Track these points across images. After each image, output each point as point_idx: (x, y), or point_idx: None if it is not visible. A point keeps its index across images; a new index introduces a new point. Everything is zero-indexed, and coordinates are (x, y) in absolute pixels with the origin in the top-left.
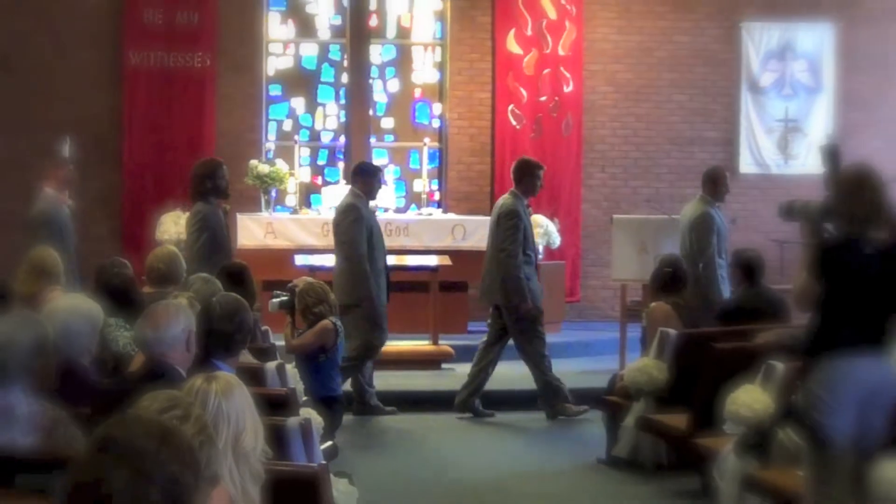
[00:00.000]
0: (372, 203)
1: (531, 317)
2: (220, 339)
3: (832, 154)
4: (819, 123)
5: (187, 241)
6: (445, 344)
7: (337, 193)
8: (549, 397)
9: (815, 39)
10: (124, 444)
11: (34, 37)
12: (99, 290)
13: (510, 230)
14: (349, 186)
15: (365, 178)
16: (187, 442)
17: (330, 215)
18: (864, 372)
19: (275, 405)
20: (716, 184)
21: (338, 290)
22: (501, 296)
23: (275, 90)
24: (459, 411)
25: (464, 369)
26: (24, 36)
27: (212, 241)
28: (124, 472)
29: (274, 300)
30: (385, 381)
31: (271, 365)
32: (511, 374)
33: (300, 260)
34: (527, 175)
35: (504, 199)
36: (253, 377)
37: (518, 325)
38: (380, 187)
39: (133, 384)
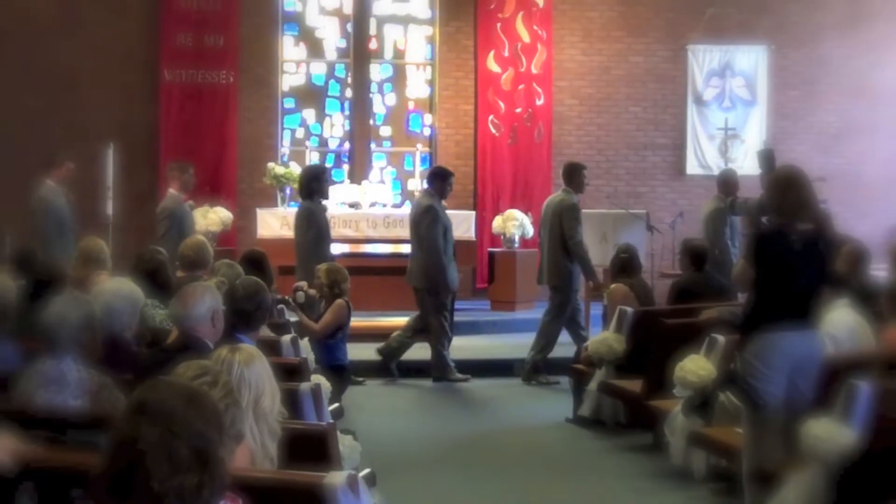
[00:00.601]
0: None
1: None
2: (242, 315)
3: (767, 157)
4: (754, 131)
5: (297, 234)
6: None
7: (342, 191)
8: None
9: (751, 60)
10: (155, 406)
11: (85, 58)
12: (137, 273)
13: (575, 221)
14: (426, 187)
15: (439, 180)
16: (213, 403)
17: (335, 210)
18: (792, 344)
19: (289, 372)
20: (727, 185)
21: (415, 276)
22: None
23: (289, 103)
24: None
25: (458, 342)
26: (78, 57)
27: (317, 234)
28: (156, 430)
29: (300, 293)
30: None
31: (286, 338)
32: (487, 344)
33: None
34: (576, 175)
35: (562, 197)
36: (271, 348)
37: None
38: (451, 189)
39: (168, 355)
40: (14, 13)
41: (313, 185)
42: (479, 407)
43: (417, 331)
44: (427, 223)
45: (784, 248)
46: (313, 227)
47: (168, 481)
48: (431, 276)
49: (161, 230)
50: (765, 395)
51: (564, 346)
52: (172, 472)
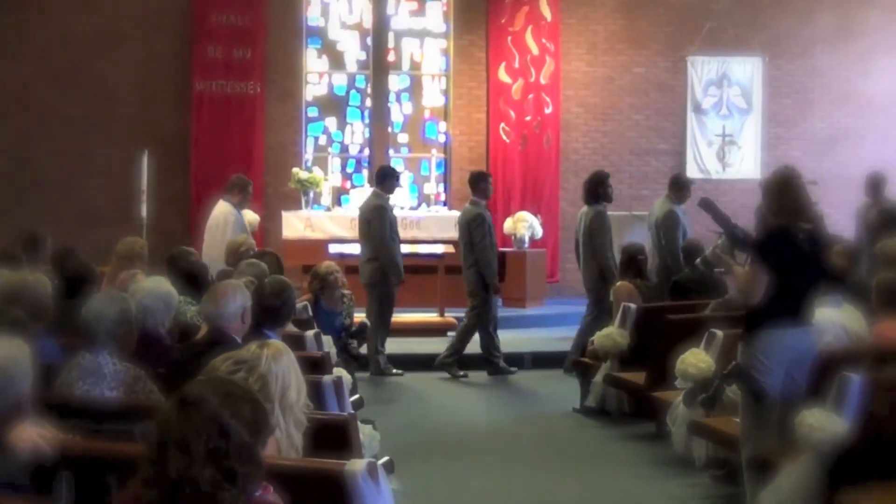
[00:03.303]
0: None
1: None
2: (270, 312)
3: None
4: (750, 138)
5: (593, 237)
6: (450, 316)
7: (362, 194)
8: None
9: (747, 71)
10: (198, 402)
11: (122, 70)
12: (171, 272)
13: (602, 230)
14: (471, 196)
15: (482, 184)
16: (253, 399)
17: (356, 213)
18: (793, 340)
19: (313, 365)
20: (679, 187)
21: (469, 281)
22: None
23: (312, 112)
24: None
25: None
26: (115, 69)
27: (610, 234)
28: (197, 423)
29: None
30: (400, 346)
31: (310, 333)
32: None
33: (333, 248)
34: (600, 186)
35: (591, 211)
36: (295, 343)
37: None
38: (492, 190)
39: (199, 349)
40: (58, 29)
41: (599, 189)
42: (492, 398)
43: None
44: (479, 233)
45: (793, 247)
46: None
47: (206, 469)
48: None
49: (587, 237)
50: (767, 387)
51: (568, 341)
52: (211, 461)
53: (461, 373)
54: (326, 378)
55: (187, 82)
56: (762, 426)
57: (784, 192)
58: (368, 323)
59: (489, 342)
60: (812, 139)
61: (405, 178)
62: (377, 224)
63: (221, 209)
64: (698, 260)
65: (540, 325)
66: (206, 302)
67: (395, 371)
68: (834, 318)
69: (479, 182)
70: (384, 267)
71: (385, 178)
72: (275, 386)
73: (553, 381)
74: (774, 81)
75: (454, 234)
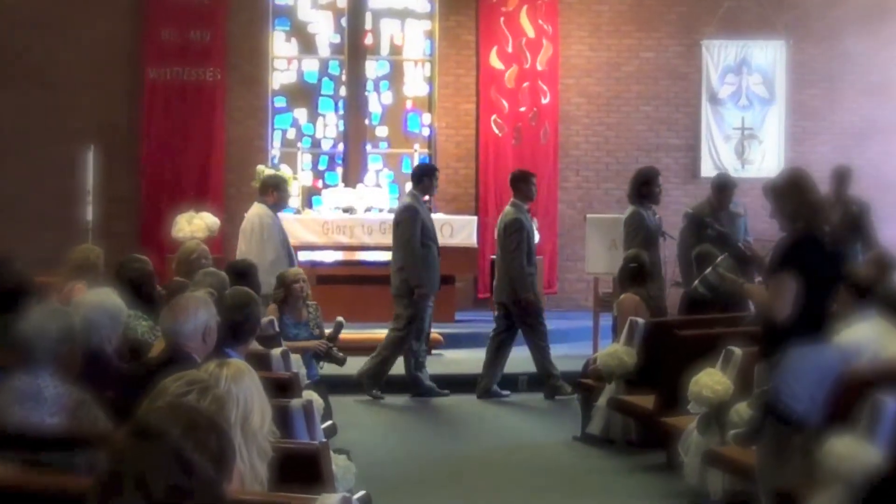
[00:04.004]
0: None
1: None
2: (230, 328)
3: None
4: (772, 131)
5: (625, 239)
6: (435, 332)
7: (335, 195)
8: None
9: (769, 56)
10: (157, 432)
11: (64, 54)
12: (118, 282)
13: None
14: (512, 198)
15: (523, 185)
16: (218, 429)
17: (328, 215)
18: (820, 357)
19: (280, 388)
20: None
21: (503, 290)
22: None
23: (280, 102)
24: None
25: (452, 355)
26: (56, 53)
27: (645, 238)
28: (157, 457)
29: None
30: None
31: (277, 351)
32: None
33: (303, 256)
34: (644, 185)
35: (629, 210)
36: (260, 362)
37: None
38: (535, 192)
39: (151, 369)
40: None
41: (643, 189)
42: (482, 424)
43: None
44: (514, 239)
45: (822, 253)
46: (641, 231)
47: None
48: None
49: (627, 239)
50: (800, 414)
51: (568, 359)
52: (172, 501)
53: (505, 392)
54: (295, 402)
55: (138, 69)
56: (785, 456)
57: (800, 192)
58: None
59: (493, 365)
60: (842, 133)
61: (383, 176)
62: (406, 227)
63: (256, 211)
64: (696, 283)
65: None
66: (165, 316)
67: (441, 391)
68: (865, 335)
69: (519, 182)
70: (408, 277)
71: (422, 177)
72: (235, 410)
73: (551, 406)
74: (800, 68)
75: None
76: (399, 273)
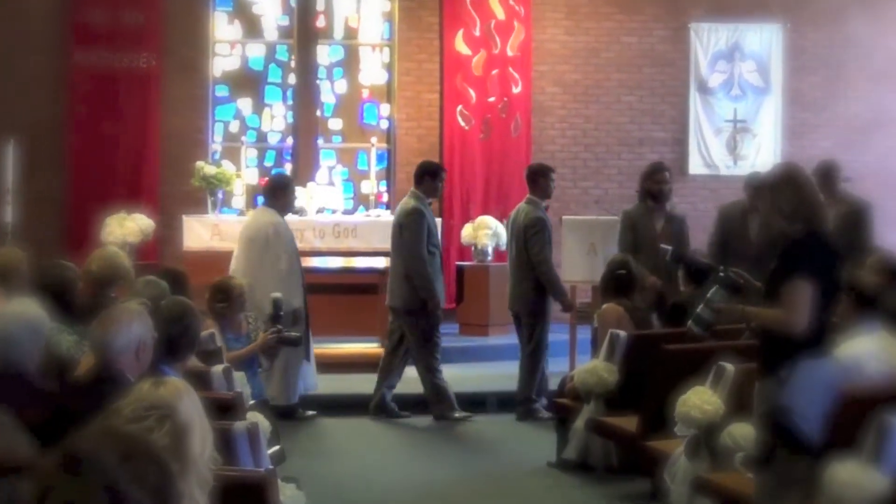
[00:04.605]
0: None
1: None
2: (166, 343)
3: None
4: (768, 124)
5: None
6: None
7: None
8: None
9: (764, 40)
10: (89, 461)
11: None
12: (39, 292)
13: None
14: (528, 195)
15: (542, 179)
16: (158, 459)
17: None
18: (826, 372)
19: (222, 409)
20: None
21: (518, 299)
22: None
23: (221, 91)
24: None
25: (411, 372)
26: None
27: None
28: (87, 489)
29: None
30: (332, 384)
31: (218, 368)
32: (456, 375)
33: None
34: (541, 176)
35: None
36: (200, 381)
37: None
38: (554, 187)
39: (79, 389)
40: None
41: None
42: (446, 449)
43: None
44: (539, 242)
45: (829, 255)
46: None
47: None
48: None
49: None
50: (810, 435)
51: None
52: None
53: (544, 413)
54: (238, 425)
55: (63, 54)
56: (790, 484)
57: (798, 188)
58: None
59: (529, 380)
60: (845, 125)
61: (336, 174)
62: (412, 232)
63: (267, 218)
64: (690, 323)
65: (507, 358)
66: (95, 329)
67: (461, 414)
68: (868, 349)
69: (538, 176)
70: (420, 288)
71: (424, 176)
72: (186, 442)
73: (523, 429)
74: (798, 54)
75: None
76: (402, 283)
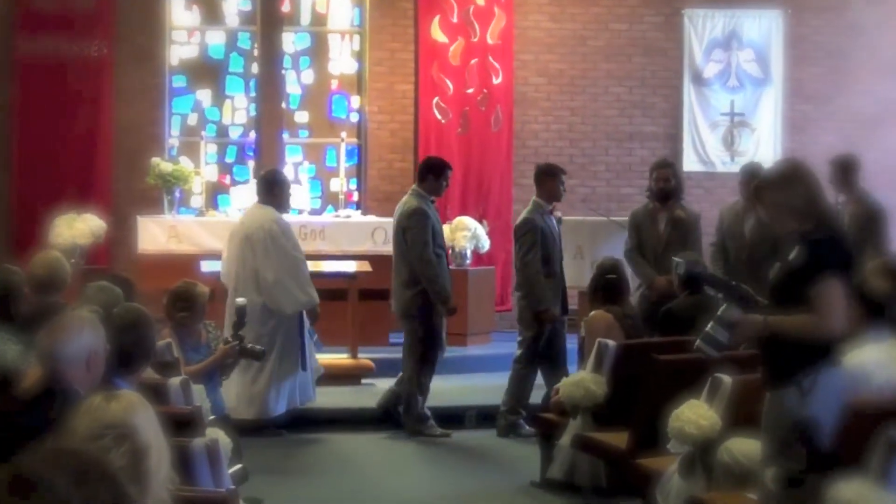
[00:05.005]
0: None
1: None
2: (119, 354)
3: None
4: (767, 118)
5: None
6: (365, 357)
7: (246, 193)
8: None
9: (763, 28)
10: (40, 482)
11: None
12: None
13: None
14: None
15: (549, 181)
16: (112, 480)
17: (237, 217)
18: (842, 381)
19: (179, 425)
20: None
21: (519, 306)
22: None
23: (178, 81)
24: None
25: (385, 385)
26: None
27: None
28: None
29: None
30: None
31: (175, 381)
32: (432, 388)
33: (206, 266)
34: (548, 177)
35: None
36: (156, 394)
37: None
38: (563, 191)
39: (24, 403)
40: None
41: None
42: (422, 468)
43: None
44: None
45: (847, 262)
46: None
47: None
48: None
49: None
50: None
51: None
52: None
53: (527, 429)
54: (197, 442)
55: (6, 42)
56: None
57: (806, 185)
58: (245, 303)
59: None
60: (850, 119)
61: (303, 171)
62: (416, 233)
63: (263, 213)
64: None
65: (487, 370)
66: (43, 338)
67: (440, 431)
68: (876, 358)
69: (544, 178)
70: (428, 292)
71: (427, 173)
72: (145, 463)
73: (505, 446)
74: (800, 42)
75: (369, 246)
76: (407, 289)
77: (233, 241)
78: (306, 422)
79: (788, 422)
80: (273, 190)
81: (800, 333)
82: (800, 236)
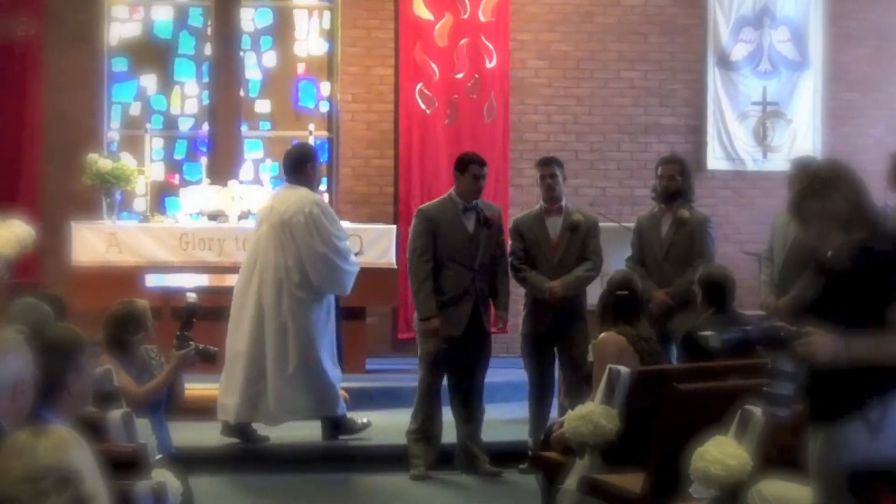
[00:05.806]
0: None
1: None
2: (47, 382)
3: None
4: (805, 107)
5: None
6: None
7: (198, 195)
8: None
9: (800, 2)
10: None
11: None
12: None
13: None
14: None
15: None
16: None
17: (188, 224)
18: None
19: (121, 465)
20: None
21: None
22: None
23: (119, 65)
24: None
25: (361, 417)
26: None
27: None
28: None
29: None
30: (263, 433)
31: (115, 414)
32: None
33: (152, 280)
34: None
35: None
36: (92, 429)
37: None
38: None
39: None
40: None
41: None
42: None
43: None
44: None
45: None
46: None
47: None
48: None
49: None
50: None
51: (523, 424)
52: None
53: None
54: (142, 485)
55: None
56: None
57: (853, 188)
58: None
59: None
60: None
61: (264, 169)
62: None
63: (301, 197)
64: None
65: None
66: None
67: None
68: None
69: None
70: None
71: (454, 171)
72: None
73: (499, 486)
74: (842, 19)
75: None
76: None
77: (261, 228)
78: (275, 458)
79: (851, 464)
80: (303, 168)
81: (892, 359)
82: (855, 247)
